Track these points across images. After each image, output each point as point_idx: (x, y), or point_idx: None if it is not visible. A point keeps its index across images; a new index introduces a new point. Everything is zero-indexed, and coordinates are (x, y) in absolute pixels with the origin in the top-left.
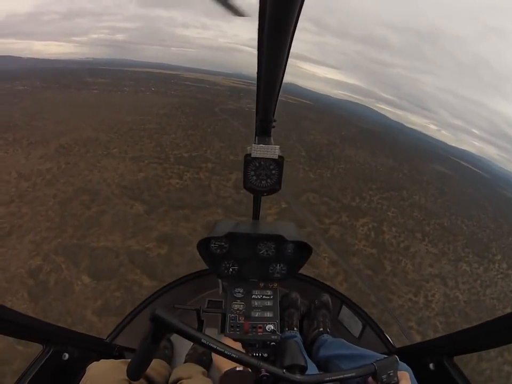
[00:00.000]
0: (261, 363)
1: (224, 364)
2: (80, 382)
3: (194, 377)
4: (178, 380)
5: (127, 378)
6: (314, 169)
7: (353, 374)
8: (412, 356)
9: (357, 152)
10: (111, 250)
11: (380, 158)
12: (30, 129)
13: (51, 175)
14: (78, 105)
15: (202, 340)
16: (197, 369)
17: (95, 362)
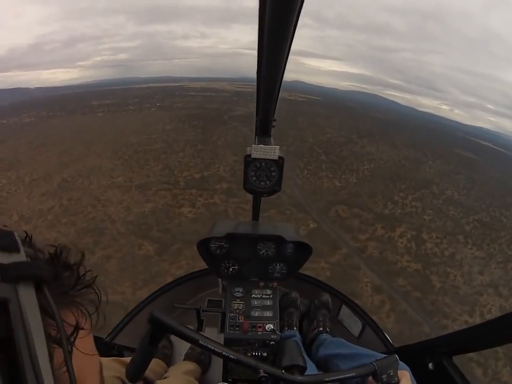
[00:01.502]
0: (260, 364)
1: None
2: None
3: (171, 376)
4: (164, 378)
5: (119, 376)
6: (338, 175)
7: (353, 374)
8: (411, 355)
9: (378, 147)
10: (120, 306)
11: (402, 150)
12: (34, 165)
13: (52, 215)
14: (82, 131)
15: (200, 341)
16: (183, 368)
17: None
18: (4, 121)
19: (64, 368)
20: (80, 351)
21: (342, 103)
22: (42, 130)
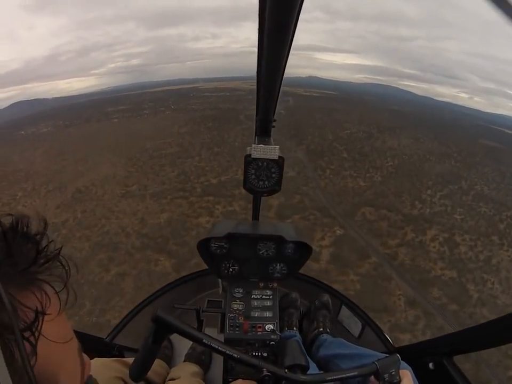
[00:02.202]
0: (263, 363)
1: None
2: None
3: (182, 377)
4: (170, 380)
5: (120, 376)
6: (362, 174)
7: (356, 373)
8: (412, 355)
9: (400, 141)
10: None
11: (424, 144)
12: (49, 175)
13: (67, 229)
14: (98, 138)
15: (204, 340)
16: (188, 369)
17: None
18: (23, 132)
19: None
20: (47, 339)
21: (358, 97)
22: (59, 139)
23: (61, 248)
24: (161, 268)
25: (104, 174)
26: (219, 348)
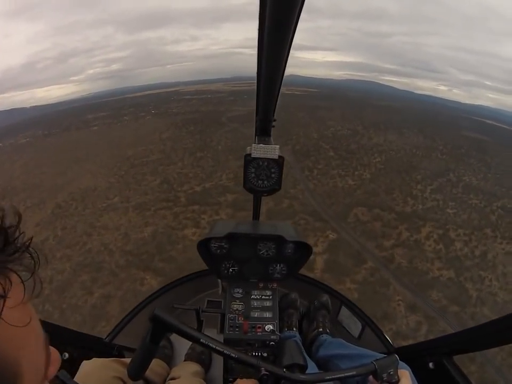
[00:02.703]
0: (261, 362)
1: None
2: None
3: (182, 377)
4: (171, 379)
5: (119, 376)
6: (351, 172)
7: (354, 373)
8: (411, 355)
9: (386, 137)
10: None
11: (410, 138)
12: (28, 190)
13: (47, 249)
14: (77, 147)
15: (202, 340)
16: (189, 368)
17: (87, 360)
18: (0, 144)
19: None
20: (7, 322)
21: (340, 93)
22: (38, 150)
23: (31, 239)
24: (148, 287)
25: (84, 186)
26: (217, 347)
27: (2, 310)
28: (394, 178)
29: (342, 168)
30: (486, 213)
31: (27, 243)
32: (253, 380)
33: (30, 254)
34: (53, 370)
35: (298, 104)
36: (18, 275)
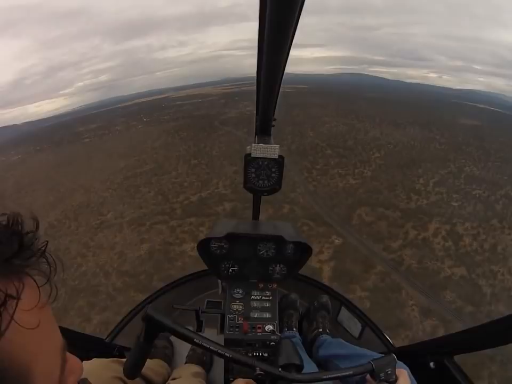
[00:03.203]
0: (256, 362)
1: None
2: None
3: (183, 377)
4: (172, 380)
5: (119, 376)
6: (351, 170)
7: (351, 372)
8: (412, 355)
9: (382, 130)
10: None
11: (406, 129)
12: (20, 210)
13: None
14: (69, 162)
15: (195, 339)
16: (190, 369)
17: (86, 361)
18: None
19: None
20: (20, 325)
21: (331, 88)
22: (29, 167)
23: (46, 244)
24: None
25: (77, 202)
26: (210, 347)
27: (14, 312)
28: (395, 174)
29: (342, 167)
30: (490, 203)
31: (43, 248)
32: (250, 379)
33: (46, 260)
34: (73, 380)
35: (291, 102)
36: (33, 279)
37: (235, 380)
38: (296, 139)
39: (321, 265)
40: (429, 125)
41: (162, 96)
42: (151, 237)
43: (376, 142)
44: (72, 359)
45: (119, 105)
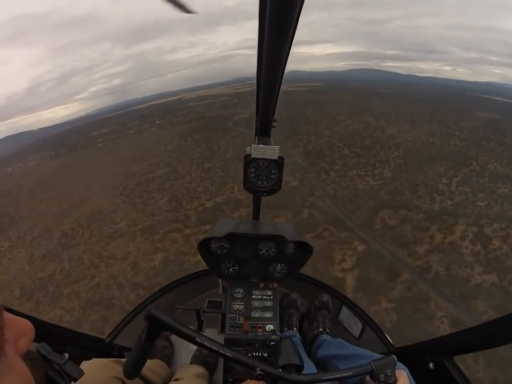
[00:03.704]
0: (256, 362)
1: None
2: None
3: (185, 378)
4: (174, 380)
5: (118, 376)
6: (370, 171)
7: (350, 373)
8: (412, 355)
9: (399, 127)
10: None
11: (424, 126)
12: (34, 218)
13: (54, 285)
14: (83, 167)
15: (197, 339)
16: (193, 370)
17: (86, 360)
18: (10, 169)
19: None
20: None
21: (344, 85)
22: (44, 173)
23: None
24: None
25: (90, 210)
26: (212, 346)
27: None
28: (416, 173)
29: (360, 168)
30: None
31: None
32: (261, 381)
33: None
34: (25, 342)
35: (304, 100)
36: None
37: (246, 381)
38: (311, 139)
39: (344, 275)
40: (446, 120)
41: (175, 98)
42: (165, 246)
43: (394, 140)
44: (19, 321)
45: (132, 108)
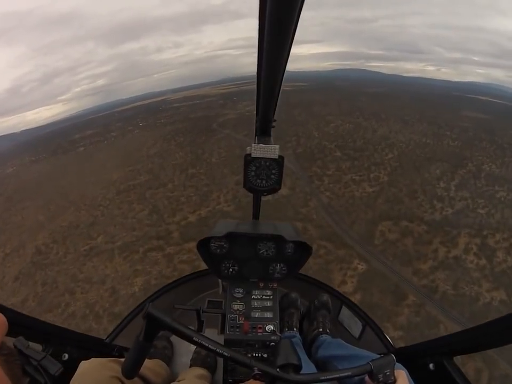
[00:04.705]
0: (254, 361)
1: None
2: (71, 380)
3: (186, 379)
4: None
5: (117, 375)
6: (365, 175)
7: (349, 373)
8: (412, 356)
9: (390, 128)
10: None
11: (416, 126)
12: (9, 231)
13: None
14: (62, 174)
15: (194, 338)
16: (194, 372)
17: (85, 360)
18: None
19: None
20: None
21: (330, 84)
22: (23, 181)
23: None
24: None
25: (66, 223)
26: (209, 345)
27: None
28: (413, 177)
29: (355, 171)
30: None
31: None
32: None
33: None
34: None
35: (291, 101)
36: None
37: (249, 381)
38: (301, 141)
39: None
40: (436, 120)
41: (160, 98)
42: (145, 269)
43: (387, 141)
44: None
45: (116, 110)
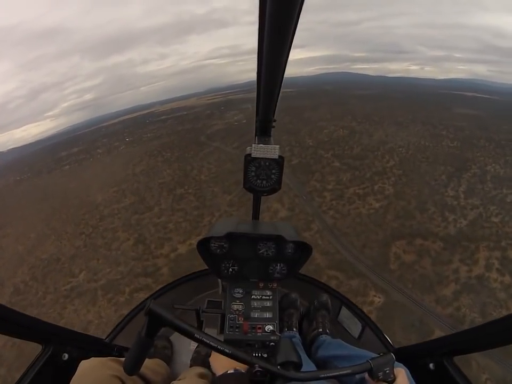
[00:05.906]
0: (255, 359)
1: (218, 369)
2: (71, 380)
3: (187, 377)
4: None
5: (117, 374)
6: (369, 187)
7: (349, 371)
8: (412, 356)
9: (386, 131)
10: None
11: (411, 127)
12: None
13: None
14: (45, 196)
15: (196, 335)
16: (195, 371)
17: (85, 360)
18: None
19: None
20: None
21: (317, 89)
22: (4, 205)
23: None
24: None
25: (47, 255)
26: (210, 342)
27: None
28: (420, 186)
29: (357, 184)
30: None
31: None
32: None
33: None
34: None
35: (280, 107)
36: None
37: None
38: (295, 151)
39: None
40: (429, 119)
41: (147, 111)
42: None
43: (385, 146)
44: None
45: (103, 124)
